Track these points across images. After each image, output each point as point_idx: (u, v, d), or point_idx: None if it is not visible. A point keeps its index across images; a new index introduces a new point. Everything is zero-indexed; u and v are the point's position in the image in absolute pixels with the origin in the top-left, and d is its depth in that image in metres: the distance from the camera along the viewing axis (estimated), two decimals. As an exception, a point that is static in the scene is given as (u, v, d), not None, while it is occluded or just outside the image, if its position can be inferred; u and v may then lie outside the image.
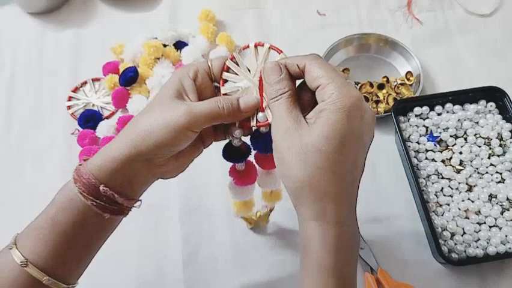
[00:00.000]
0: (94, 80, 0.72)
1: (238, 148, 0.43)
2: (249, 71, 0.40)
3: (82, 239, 0.42)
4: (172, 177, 0.43)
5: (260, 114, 0.39)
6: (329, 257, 0.35)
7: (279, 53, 0.39)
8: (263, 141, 0.41)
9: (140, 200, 0.43)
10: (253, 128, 0.41)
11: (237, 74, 0.40)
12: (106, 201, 0.40)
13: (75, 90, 0.71)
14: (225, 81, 0.41)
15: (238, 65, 0.40)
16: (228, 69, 0.40)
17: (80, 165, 0.41)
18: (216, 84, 0.41)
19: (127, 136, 0.40)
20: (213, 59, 0.41)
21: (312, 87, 0.37)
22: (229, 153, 0.43)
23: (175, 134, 0.38)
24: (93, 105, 0.70)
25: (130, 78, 0.68)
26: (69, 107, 0.69)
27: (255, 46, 0.40)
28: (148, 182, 0.42)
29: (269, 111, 0.38)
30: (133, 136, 0.39)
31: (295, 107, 0.37)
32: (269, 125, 0.39)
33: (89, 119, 0.67)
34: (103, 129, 0.65)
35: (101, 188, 0.39)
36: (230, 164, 0.45)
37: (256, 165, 0.45)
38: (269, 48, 0.40)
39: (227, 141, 0.43)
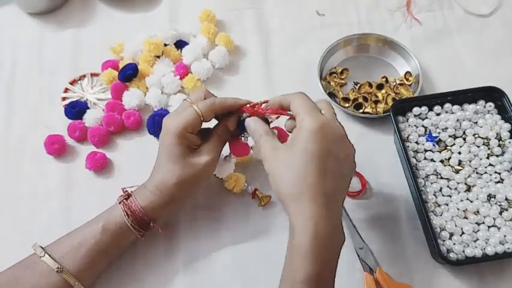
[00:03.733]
0: (92, 74, 0.72)
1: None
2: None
3: (114, 255, 0.54)
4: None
5: (244, 115, 0.54)
6: (305, 241, 0.42)
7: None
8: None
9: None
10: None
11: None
12: (148, 229, 0.54)
13: (73, 82, 0.71)
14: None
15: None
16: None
17: (127, 199, 0.53)
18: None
19: (175, 190, 0.52)
20: (199, 105, 0.52)
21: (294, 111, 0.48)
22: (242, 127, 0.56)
23: (206, 180, 0.56)
24: (86, 99, 0.70)
25: (128, 75, 0.68)
26: (63, 99, 0.70)
27: (264, 102, 0.54)
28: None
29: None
30: (181, 190, 0.53)
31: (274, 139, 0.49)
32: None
33: (74, 105, 0.67)
34: (91, 116, 0.66)
35: (151, 224, 0.53)
36: None
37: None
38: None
39: None
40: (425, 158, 0.61)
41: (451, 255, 0.54)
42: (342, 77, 0.70)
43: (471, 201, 0.57)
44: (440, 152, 0.61)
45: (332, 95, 0.69)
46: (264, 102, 0.54)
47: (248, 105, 0.54)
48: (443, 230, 0.55)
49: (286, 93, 0.50)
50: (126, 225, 0.51)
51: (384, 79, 0.69)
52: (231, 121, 0.55)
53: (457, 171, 0.60)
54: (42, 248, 0.51)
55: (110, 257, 0.53)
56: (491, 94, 0.62)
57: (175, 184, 0.52)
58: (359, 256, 0.56)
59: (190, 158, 0.52)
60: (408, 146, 0.61)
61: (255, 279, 0.56)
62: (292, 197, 0.44)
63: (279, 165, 0.46)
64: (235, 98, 0.55)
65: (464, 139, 0.61)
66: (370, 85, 0.68)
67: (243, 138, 0.57)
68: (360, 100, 0.67)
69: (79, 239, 0.51)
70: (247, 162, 0.63)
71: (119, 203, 0.53)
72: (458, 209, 0.57)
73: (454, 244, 0.55)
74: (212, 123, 0.56)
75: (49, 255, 0.50)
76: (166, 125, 0.52)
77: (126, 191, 0.54)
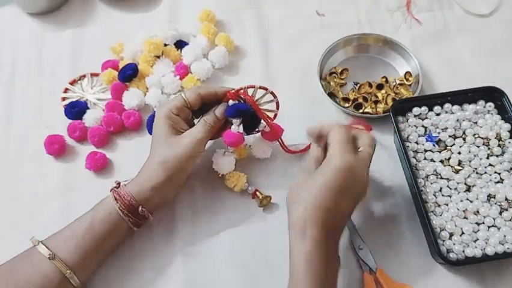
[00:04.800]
0: (92, 74, 0.72)
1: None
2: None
3: (107, 246, 0.54)
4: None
5: (230, 102, 0.57)
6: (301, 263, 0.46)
7: (266, 90, 0.57)
8: (231, 108, 0.57)
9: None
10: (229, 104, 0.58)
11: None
12: (139, 217, 0.54)
13: (73, 82, 0.71)
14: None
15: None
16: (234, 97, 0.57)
17: (117, 187, 0.54)
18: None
19: (158, 171, 0.53)
20: (185, 92, 0.56)
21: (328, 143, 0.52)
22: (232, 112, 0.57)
23: (189, 165, 0.55)
24: (86, 99, 0.70)
25: (128, 75, 0.68)
26: (63, 99, 0.70)
27: (248, 87, 0.56)
28: (167, 201, 0.58)
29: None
30: (164, 171, 0.53)
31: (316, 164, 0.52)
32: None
33: (74, 105, 0.68)
34: (91, 116, 0.66)
35: (140, 208, 0.53)
36: None
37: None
38: (259, 88, 0.57)
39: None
40: (425, 158, 0.61)
41: (451, 255, 0.54)
42: (342, 77, 0.70)
43: (471, 201, 0.57)
44: (440, 152, 0.61)
45: (331, 95, 0.69)
46: (249, 87, 0.55)
47: (233, 91, 0.56)
48: (443, 230, 0.55)
49: (325, 124, 0.53)
50: (116, 211, 0.52)
51: (384, 79, 0.69)
52: (218, 108, 0.57)
53: (457, 171, 0.60)
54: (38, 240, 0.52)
55: (104, 247, 0.53)
56: (491, 94, 0.62)
57: (158, 163, 0.53)
58: (359, 256, 0.56)
59: (173, 139, 0.55)
60: (408, 146, 0.61)
61: (254, 276, 0.56)
62: (298, 221, 0.47)
63: (301, 186, 0.50)
64: (222, 86, 0.58)
65: (464, 139, 0.61)
66: (370, 85, 0.68)
67: (233, 126, 0.58)
68: (360, 100, 0.67)
69: (72, 229, 0.52)
70: (248, 162, 0.63)
71: (110, 191, 0.54)
72: (458, 209, 0.57)
73: (454, 244, 0.55)
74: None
75: (44, 245, 0.51)
76: (157, 112, 0.57)
77: (119, 182, 0.56)
